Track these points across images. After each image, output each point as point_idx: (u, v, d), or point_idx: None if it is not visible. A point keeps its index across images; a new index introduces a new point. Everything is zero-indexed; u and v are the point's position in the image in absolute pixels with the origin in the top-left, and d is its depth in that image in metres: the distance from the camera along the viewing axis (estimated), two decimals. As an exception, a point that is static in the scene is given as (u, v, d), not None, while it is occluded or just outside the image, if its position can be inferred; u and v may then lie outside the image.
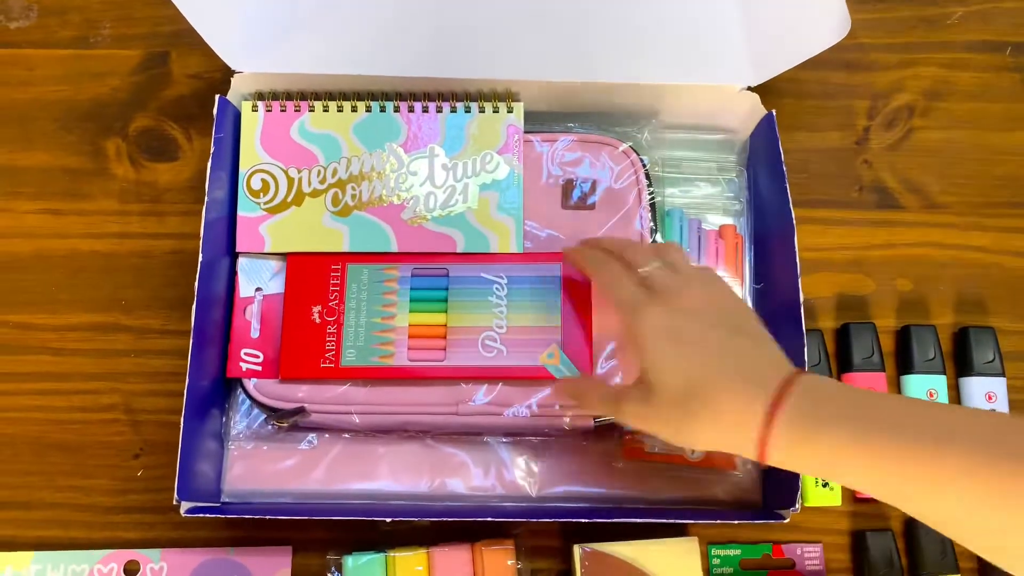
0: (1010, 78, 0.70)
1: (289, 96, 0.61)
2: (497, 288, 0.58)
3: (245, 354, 0.58)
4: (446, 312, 0.58)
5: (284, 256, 0.59)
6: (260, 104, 0.60)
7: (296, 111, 0.60)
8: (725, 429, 0.44)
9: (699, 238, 0.62)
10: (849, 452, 0.41)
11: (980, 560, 0.60)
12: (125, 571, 0.58)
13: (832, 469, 0.43)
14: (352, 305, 0.58)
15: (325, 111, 0.60)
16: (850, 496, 0.61)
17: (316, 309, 0.58)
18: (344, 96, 0.61)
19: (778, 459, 0.43)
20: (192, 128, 0.67)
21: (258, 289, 0.59)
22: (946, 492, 0.39)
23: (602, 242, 0.55)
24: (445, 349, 0.57)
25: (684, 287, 0.48)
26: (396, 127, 0.60)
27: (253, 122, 0.60)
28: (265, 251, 0.59)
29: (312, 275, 0.59)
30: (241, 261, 0.59)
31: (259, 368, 0.57)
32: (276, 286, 0.59)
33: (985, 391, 0.61)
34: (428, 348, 0.57)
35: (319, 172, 0.59)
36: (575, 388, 0.54)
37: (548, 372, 0.56)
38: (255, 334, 0.58)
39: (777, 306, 0.59)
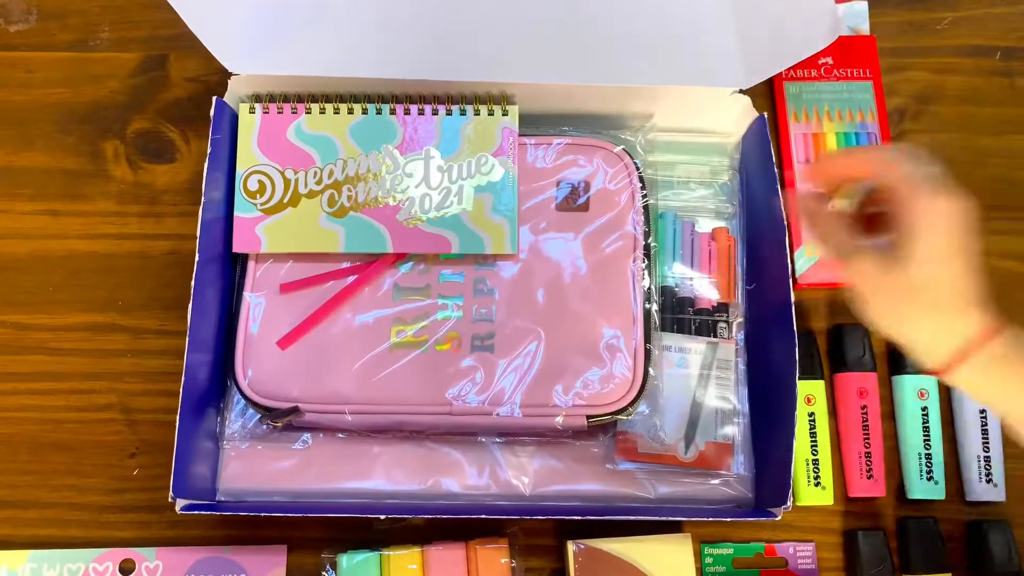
0: (999, 82, 0.70)
1: (286, 98, 0.61)
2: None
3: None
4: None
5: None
6: (257, 106, 0.60)
7: (293, 113, 0.60)
8: (946, 322, 0.45)
9: (692, 241, 0.63)
10: None
11: (970, 558, 0.60)
12: (120, 570, 0.58)
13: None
14: None
15: (322, 113, 0.60)
16: (842, 496, 0.61)
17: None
18: (341, 99, 0.61)
19: (976, 368, 0.44)
20: (189, 130, 0.67)
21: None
22: None
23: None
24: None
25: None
26: (392, 129, 0.60)
27: (250, 124, 0.60)
28: (261, 251, 0.59)
29: None
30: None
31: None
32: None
33: (976, 391, 0.62)
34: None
35: (315, 173, 0.60)
36: (819, 218, 0.49)
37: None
38: None
39: (769, 307, 0.59)
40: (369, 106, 0.61)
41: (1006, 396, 0.45)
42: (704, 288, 0.62)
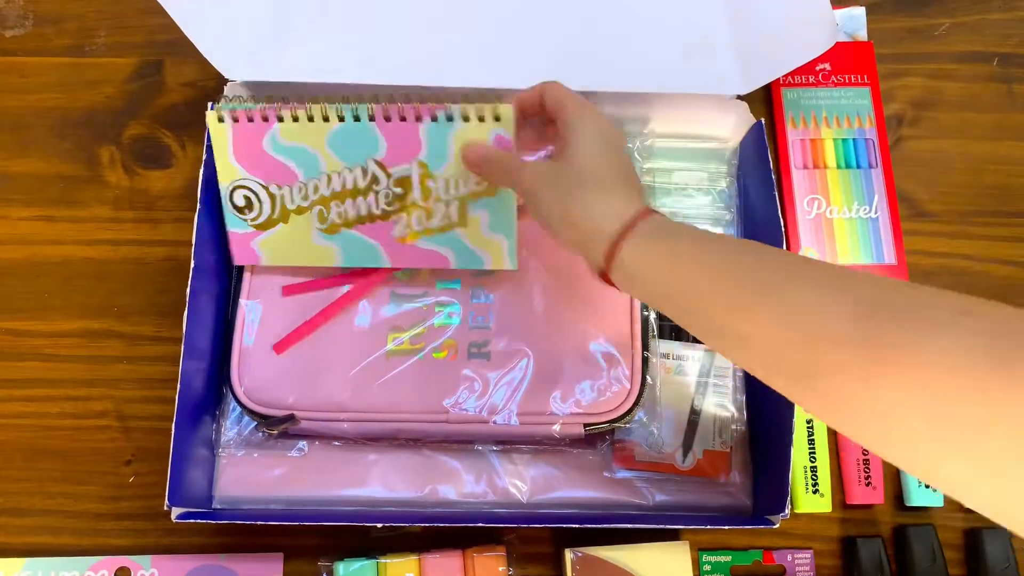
0: (997, 88, 0.70)
1: (258, 101, 0.57)
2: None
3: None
4: None
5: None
6: (226, 114, 0.56)
7: (264, 121, 0.55)
8: (609, 194, 0.48)
9: (690, 246, 0.63)
10: (686, 267, 0.44)
11: (969, 565, 0.60)
12: None
13: (670, 280, 0.45)
14: None
15: (295, 121, 0.55)
16: (841, 503, 0.61)
17: None
18: (315, 103, 0.55)
19: (634, 250, 0.45)
20: (185, 136, 0.67)
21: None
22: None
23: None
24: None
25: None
26: (373, 139, 0.55)
27: (223, 134, 0.56)
28: (260, 264, 0.59)
29: None
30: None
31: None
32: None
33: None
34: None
35: (300, 189, 0.57)
36: (482, 153, 0.55)
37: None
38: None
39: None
40: (345, 112, 0.55)
41: (656, 277, 0.45)
42: None
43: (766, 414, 0.58)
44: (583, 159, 0.49)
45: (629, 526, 0.55)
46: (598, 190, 0.48)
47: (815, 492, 0.60)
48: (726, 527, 0.56)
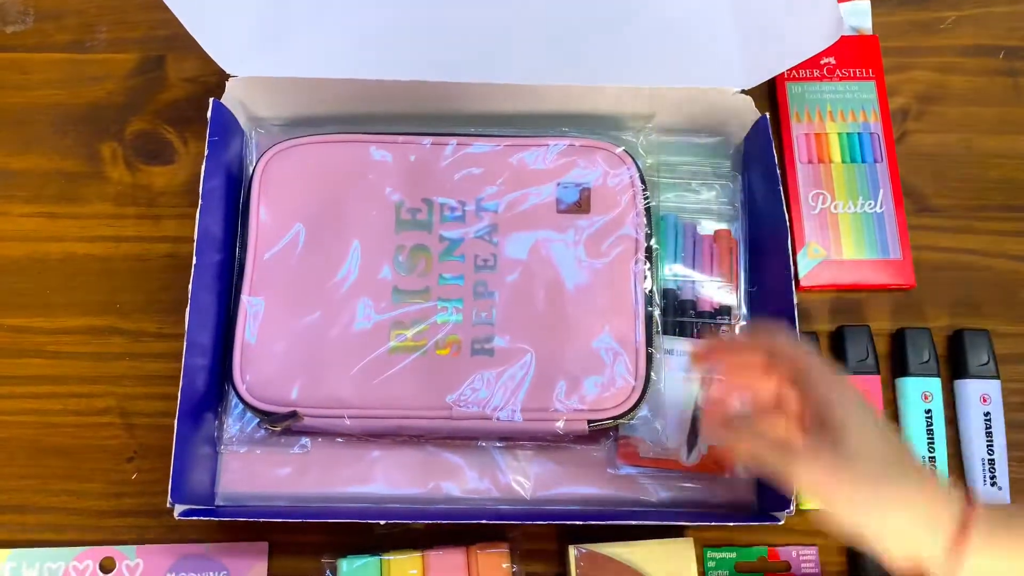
0: (1003, 82, 0.70)
1: None
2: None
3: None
4: None
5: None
6: None
7: None
8: (916, 510, 0.42)
9: (694, 243, 0.63)
10: None
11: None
12: (101, 568, 0.58)
13: None
14: None
15: None
16: (845, 499, 0.61)
17: None
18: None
19: (973, 558, 0.41)
20: (187, 131, 0.67)
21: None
22: None
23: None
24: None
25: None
26: None
27: None
28: None
29: None
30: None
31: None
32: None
33: (980, 393, 0.62)
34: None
35: None
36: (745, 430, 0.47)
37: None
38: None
39: (771, 309, 0.59)
40: None
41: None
42: (706, 290, 0.61)
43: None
44: (862, 448, 0.43)
45: (633, 523, 0.55)
46: (898, 486, 0.42)
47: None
48: (730, 523, 0.56)
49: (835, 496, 0.43)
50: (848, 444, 0.42)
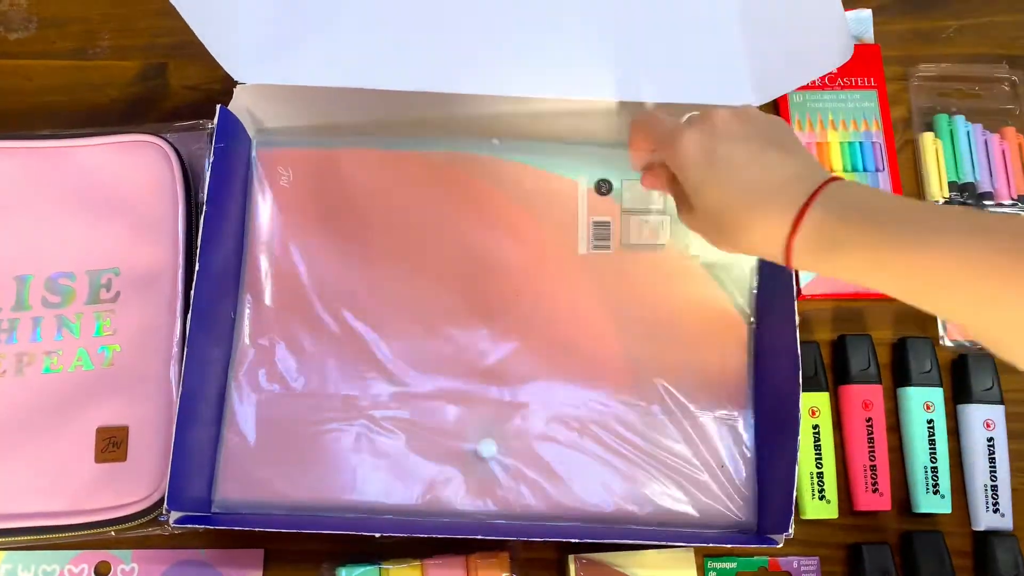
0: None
1: None
2: None
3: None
4: None
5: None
6: None
7: None
8: (757, 239, 0.47)
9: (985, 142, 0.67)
10: (868, 261, 0.44)
11: (977, 573, 0.59)
12: (96, 572, 0.57)
13: (852, 272, 0.45)
14: None
15: None
16: (847, 509, 0.60)
17: None
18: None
19: (804, 264, 0.46)
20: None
21: None
22: (957, 295, 0.41)
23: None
24: None
25: (716, 112, 0.51)
26: None
27: None
28: None
29: None
30: None
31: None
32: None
33: (984, 419, 0.61)
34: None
35: None
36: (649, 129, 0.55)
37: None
38: None
39: (773, 318, 0.59)
40: None
41: (845, 267, 0.45)
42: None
43: (773, 432, 0.58)
44: (702, 204, 0.50)
45: (632, 542, 0.55)
46: (737, 225, 0.48)
47: (822, 498, 0.59)
48: (728, 544, 0.55)
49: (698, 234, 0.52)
50: (695, 204, 0.50)
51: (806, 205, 0.45)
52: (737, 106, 0.51)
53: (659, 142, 0.53)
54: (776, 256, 0.47)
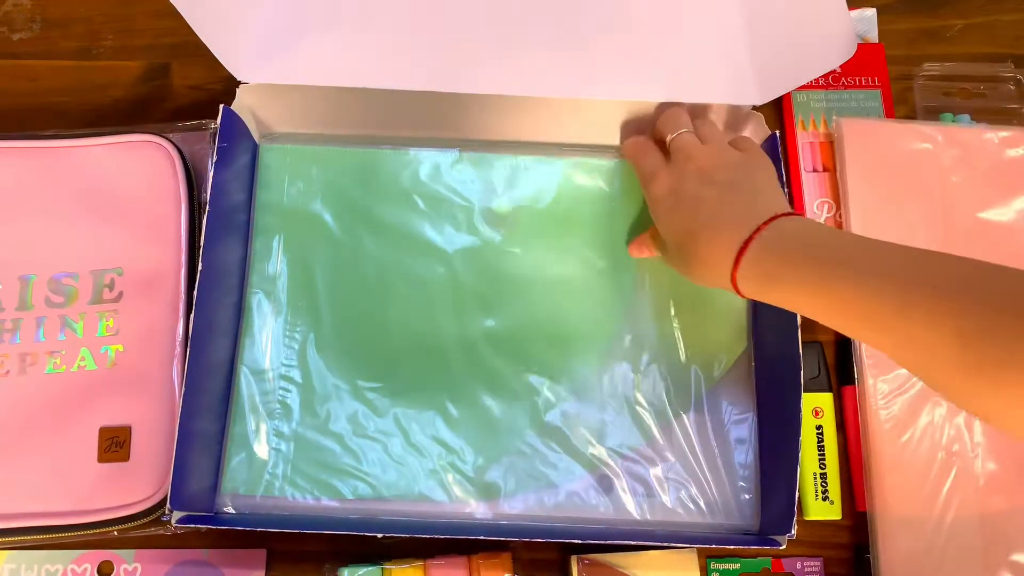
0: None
1: None
2: None
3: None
4: None
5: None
6: None
7: None
8: (711, 273, 0.51)
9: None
10: (806, 296, 0.46)
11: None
12: (99, 572, 0.57)
13: (792, 305, 0.48)
14: None
15: None
16: (851, 510, 0.60)
17: None
18: None
19: (752, 295, 0.49)
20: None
21: None
22: (889, 336, 0.43)
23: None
24: None
25: (696, 151, 0.55)
26: None
27: None
28: None
29: None
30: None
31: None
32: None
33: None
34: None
35: None
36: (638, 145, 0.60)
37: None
38: None
39: (774, 319, 0.58)
40: None
41: (785, 299, 0.48)
42: None
43: (775, 434, 0.57)
44: (667, 239, 0.55)
45: (633, 543, 0.55)
46: (694, 258, 0.52)
47: (825, 499, 0.59)
48: (731, 546, 0.55)
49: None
50: (665, 239, 0.55)
51: (749, 240, 0.48)
52: (720, 144, 0.56)
53: (640, 178, 0.58)
54: (729, 288, 0.50)
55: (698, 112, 0.61)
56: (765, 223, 0.48)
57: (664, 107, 0.61)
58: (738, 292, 0.50)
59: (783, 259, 0.47)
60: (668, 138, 0.58)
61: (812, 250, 0.46)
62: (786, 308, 0.48)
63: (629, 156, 0.61)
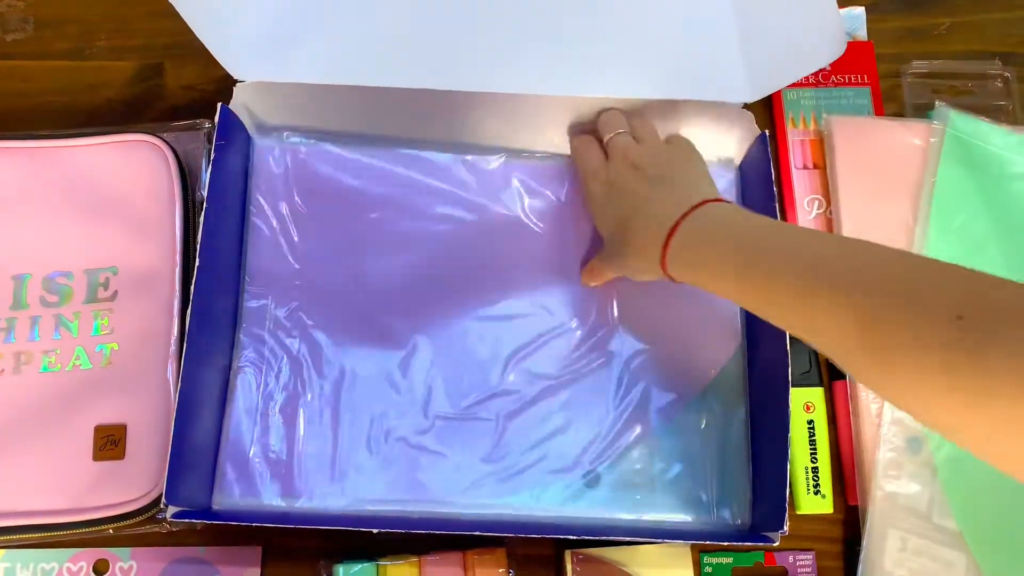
0: (998, 88, 0.70)
1: None
2: None
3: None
4: None
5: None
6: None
7: None
8: (643, 259, 0.53)
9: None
10: (725, 279, 0.48)
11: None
12: (94, 570, 0.58)
13: (716, 289, 0.49)
14: None
15: None
16: (842, 504, 0.60)
17: None
18: None
19: (681, 278, 0.51)
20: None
21: None
22: (802, 322, 0.44)
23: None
24: None
25: (631, 149, 0.57)
26: None
27: None
28: None
29: None
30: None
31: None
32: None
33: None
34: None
35: None
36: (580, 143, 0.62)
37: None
38: None
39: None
40: None
41: (709, 283, 0.50)
42: None
43: (765, 431, 0.58)
44: (603, 232, 0.58)
45: (626, 539, 0.55)
46: (627, 248, 0.54)
47: (817, 493, 0.60)
48: (724, 543, 0.55)
49: (611, 270, 0.59)
50: (602, 236, 0.59)
51: (676, 225, 0.50)
52: (654, 141, 0.59)
53: (581, 175, 0.61)
54: (662, 276, 0.52)
55: (634, 113, 0.62)
56: (692, 208, 0.50)
57: (605, 111, 0.63)
58: (671, 278, 0.51)
59: (706, 242, 0.49)
60: (606, 138, 0.60)
61: (733, 235, 0.48)
62: (713, 292, 0.50)
63: (572, 154, 0.63)
